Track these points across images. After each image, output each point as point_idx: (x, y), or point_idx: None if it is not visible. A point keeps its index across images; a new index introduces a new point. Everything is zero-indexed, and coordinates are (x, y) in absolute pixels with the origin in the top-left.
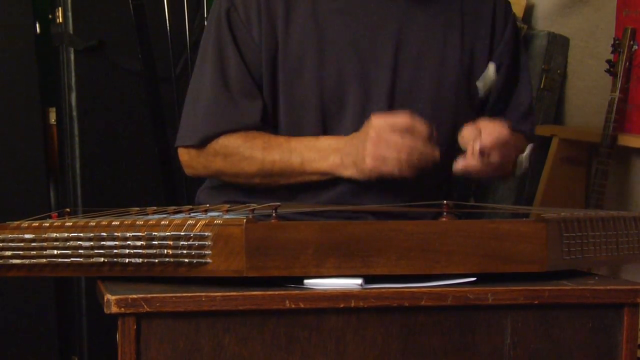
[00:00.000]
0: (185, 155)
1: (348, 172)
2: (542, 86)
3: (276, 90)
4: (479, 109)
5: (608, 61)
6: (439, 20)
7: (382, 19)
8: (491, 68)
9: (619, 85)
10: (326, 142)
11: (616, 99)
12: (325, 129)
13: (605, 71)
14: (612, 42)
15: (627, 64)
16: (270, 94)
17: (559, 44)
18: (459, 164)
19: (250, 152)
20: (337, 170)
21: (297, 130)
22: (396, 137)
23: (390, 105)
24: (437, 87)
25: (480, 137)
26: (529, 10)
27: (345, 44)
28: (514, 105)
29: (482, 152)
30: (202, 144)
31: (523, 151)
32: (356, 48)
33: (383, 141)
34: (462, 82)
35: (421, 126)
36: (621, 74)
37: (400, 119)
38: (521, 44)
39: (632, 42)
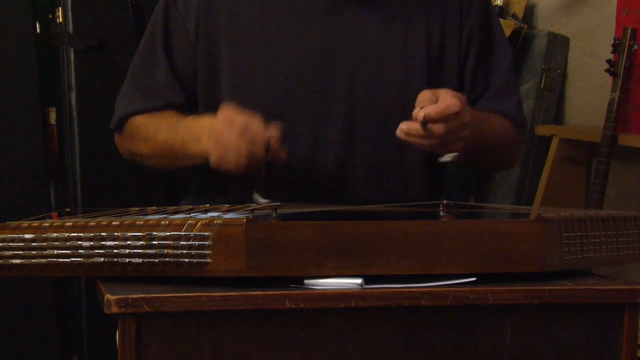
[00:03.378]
0: (115, 140)
1: (210, 160)
2: (542, 86)
3: (218, 90)
4: (457, 91)
5: (608, 61)
6: (399, 7)
7: (336, 11)
8: None
9: (619, 85)
10: (202, 123)
11: (616, 99)
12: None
13: (605, 71)
14: (612, 42)
15: (627, 63)
16: (209, 92)
17: (559, 43)
18: (401, 126)
19: (146, 132)
20: (206, 155)
21: None
22: (234, 139)
23: (351, 101)
24: (404, 74)
25: (428, 104)
26: (529, 10)
27: (297, 41)
28: (490, 84)
29: (426, 121)
30: (117, 126)
31: (507, 134)
32: (309, 47)
33: (222, 141)
34: (432, 65)
35: (258, 129)
36: (621, 74)
37: (239, 119)
38: (494, 20)
39: (632, 42)
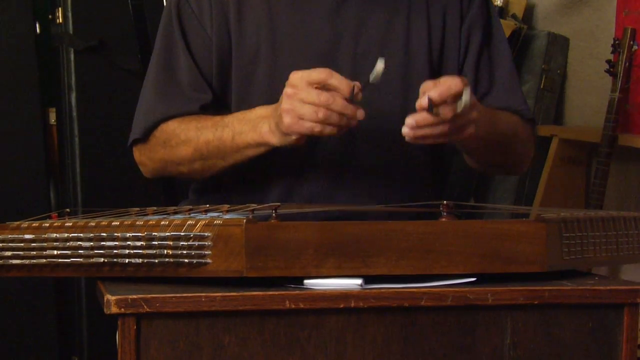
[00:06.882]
0: (136, 154)
1: (275, 138)
2: (542, 86)
3: (228, 87)
4: None
5: (608, 61)
6: (401, 2)
7: (340, 6)
8: (379, 64)
9: (619, 85)
10: (257, 112)
11: (616, 99)
12: None
13: (605, 71)
14: (612, 42)
15: (627, 64)
16: (222, 89)
17: (559, 44)
18: (407, 121)
19: (185, 134)
20: (267, 138)
21: None
22: (311, 92)
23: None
24: (405, 71)
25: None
26: (529, 10)
27: (299, 38)
28: (495, 81)
29: (431, 105)
30: (144, 135)
31: (518, 130)
32: (312, 41)
33: (298, 97)
34: (434, 60)
35: (341, 82)
36: (621, 74)
37: (317, 73)
38: (494, 18)
39: (632, 42)
